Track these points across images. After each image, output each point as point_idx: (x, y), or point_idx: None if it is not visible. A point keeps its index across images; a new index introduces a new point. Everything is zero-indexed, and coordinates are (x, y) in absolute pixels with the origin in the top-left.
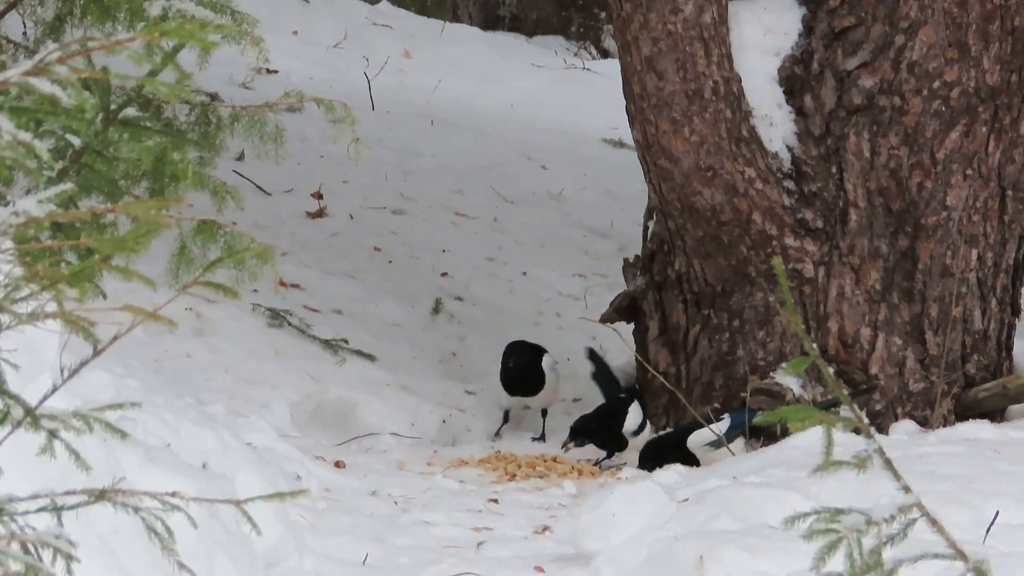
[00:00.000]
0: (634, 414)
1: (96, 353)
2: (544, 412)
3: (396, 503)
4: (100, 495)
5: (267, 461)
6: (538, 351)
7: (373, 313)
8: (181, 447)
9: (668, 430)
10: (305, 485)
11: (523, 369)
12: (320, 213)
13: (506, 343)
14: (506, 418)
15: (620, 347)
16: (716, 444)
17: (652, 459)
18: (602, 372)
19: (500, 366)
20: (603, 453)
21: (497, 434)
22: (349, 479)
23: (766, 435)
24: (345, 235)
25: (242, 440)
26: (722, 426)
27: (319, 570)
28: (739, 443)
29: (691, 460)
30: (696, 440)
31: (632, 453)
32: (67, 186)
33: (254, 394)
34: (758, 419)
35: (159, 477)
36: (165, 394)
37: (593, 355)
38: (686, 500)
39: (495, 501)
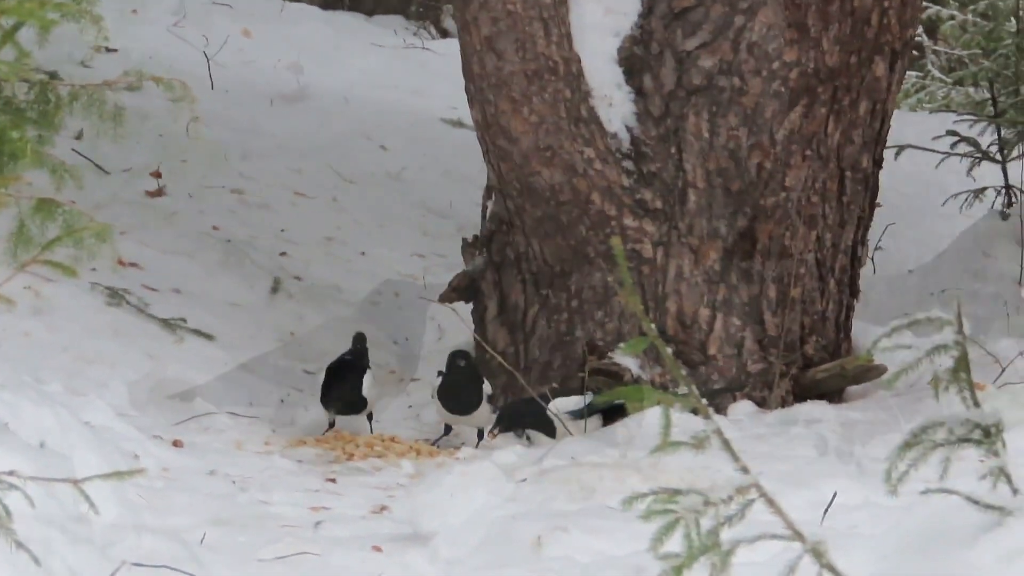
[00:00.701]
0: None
1: None
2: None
3: (234, 482)
4: None
5: (105, 440)
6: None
7: (212, 292)
8: (19, 426)
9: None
10: (143, 464)
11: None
12: (159, 192)
13: (344, 322)
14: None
15: (459, 327)
16: (578, 414)
17: (509, 419)
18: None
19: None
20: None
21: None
22: (187, 458)
23: (606, 414)
24: (184, 214)
25: (80, 419)
26: (583, 400)
27: (157, 549)
28: (596, 420)
29: (548, 426)
30: (559, 405)
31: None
32: None
33: (92, 373)
34: (596, 399)
35: None
36: (3, 372)
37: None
38: (524, 480)
39: (333, 480)
